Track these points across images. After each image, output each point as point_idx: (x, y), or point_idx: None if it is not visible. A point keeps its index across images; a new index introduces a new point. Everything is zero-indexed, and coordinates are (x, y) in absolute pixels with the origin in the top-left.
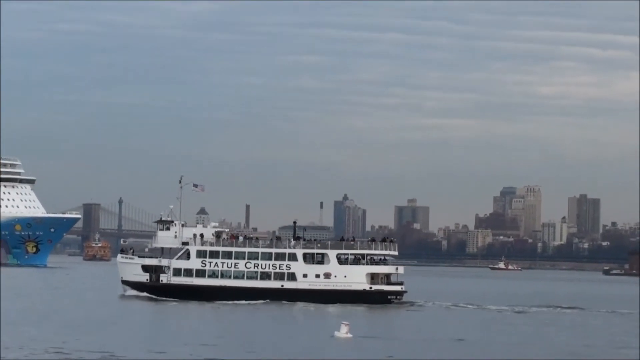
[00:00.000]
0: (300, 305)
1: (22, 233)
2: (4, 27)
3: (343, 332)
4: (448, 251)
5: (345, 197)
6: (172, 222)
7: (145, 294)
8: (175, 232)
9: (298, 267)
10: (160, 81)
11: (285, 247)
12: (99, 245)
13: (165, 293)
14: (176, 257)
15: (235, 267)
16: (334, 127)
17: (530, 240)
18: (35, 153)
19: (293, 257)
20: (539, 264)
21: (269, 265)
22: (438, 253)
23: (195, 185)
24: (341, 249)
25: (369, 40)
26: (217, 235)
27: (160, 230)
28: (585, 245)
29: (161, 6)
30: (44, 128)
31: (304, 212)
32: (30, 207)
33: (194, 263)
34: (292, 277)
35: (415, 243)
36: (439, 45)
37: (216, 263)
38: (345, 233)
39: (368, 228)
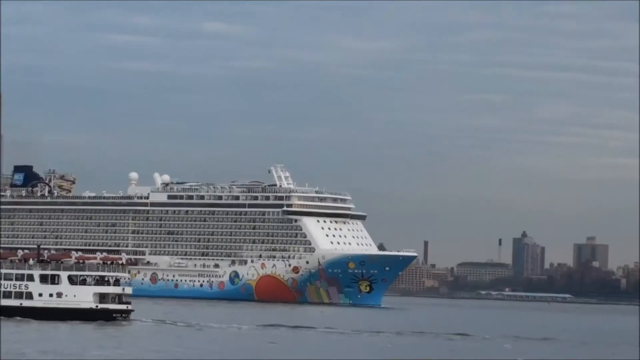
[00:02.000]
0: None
1: (355, 271)
2: (185, 65)
3: None
4: (627, 290)
5: (524, 234)
6: None
7: None
8: None
9: (35, 286)
10: (335, 117)
11: (24, 269)
12: None
13: None
14: None
15: None
16: (513, 165)
17: None
18: None
19: (31, 277)
20: None
21: (10, 285)
22: (617, 292)
23: None
24: (72, 270)
25: (549, 80)
26: None
27: None
28: None
29: (341, 44)
30: (210, 161)
31: (482, 249)
32: (362, 244)
33: None
34: (29, 295)
35: (594, 281)
36: (620, 86)
37: None
38: (524, 270)
39: (547, 265)
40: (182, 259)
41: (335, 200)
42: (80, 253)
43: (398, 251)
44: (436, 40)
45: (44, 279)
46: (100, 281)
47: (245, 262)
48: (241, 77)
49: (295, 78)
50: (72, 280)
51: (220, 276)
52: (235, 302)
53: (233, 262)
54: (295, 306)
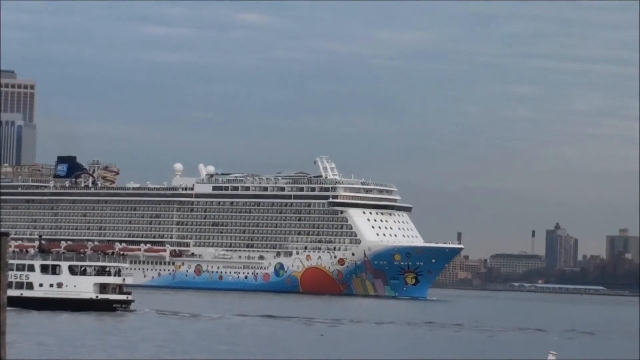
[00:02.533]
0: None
1: (401, 263)
2: (227, 58)
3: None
4: None
5: (557, 226)
6: None
7: None
8: None
9: (35, 277)
10: (369, 108)
11: (25, 259)
12: None
13: None
14: None
15: None
16: (547, 156)
17: None
18: None
19: (31, 267)
20: None
21: (11, 275)
22: None
23: None
24: (73, 260)
25: (582, 72)
26: None
27: None
28: None
29: (375, 36)
30: (254, 152)
31: (516, 241)
32: (408, 236)
33: None
34: (30, 286)
35: (626, 273)
36: None
37: None
38: (557, 262)
39: (580, 257)
40: (226, 250)
41: (381, 191)
42: (124, 244)
43: (444, 243)
44: (472, 32)
45: (44, 269)
46: (101, 272)
47: (291, 254)
48: (277, 69)
49: (331, 69)
50: (72, 270)
51: (265, 268)
52: (280, 294)
53: (278, 254)
54: (339, 298)
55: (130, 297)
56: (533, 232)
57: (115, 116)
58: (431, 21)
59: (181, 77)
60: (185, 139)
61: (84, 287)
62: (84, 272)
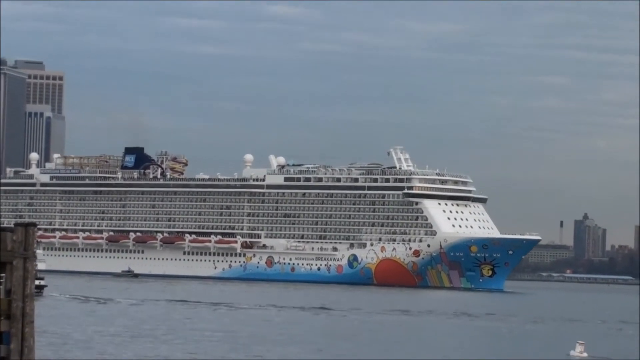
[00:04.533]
0: None
1: (478, 255)
2: (257, 49)
3: (578, 351)
4: None
5: (586, 216)
6: None
7: None
8: None
9: None
10: (402, 99)
11: None
12: None
13: None
14: None
15: None
16: (575, 146)
17: None
18: None
19: None
20: None
21: None
22: None
23: None
24: None
25: (611, 62)
26: None
27: None
28: None
29: (405, 27)
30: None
31: (544, 231)
32: (484, 227)
33: None
34: None
35: None
36: None
37: None
38: (585, 252)
39: (608, 247)
40: (299, 242)
41: (456, 182)
42: (194, 236)
43: (521, 234)
44: (501, 23)
45: None
46: None
47: (365, 246)
48: (308, 60)
49: (361, 61)
50: None
51: (338, 260)
52: (354, 286)
53: (352, 246)
54: (416, 290)
55: (43, 282)
56: (561, 222)
57: (154, 107)
58: (458, 12)
59: (213, 68)
60: (230, 130)
61: None
62: None
